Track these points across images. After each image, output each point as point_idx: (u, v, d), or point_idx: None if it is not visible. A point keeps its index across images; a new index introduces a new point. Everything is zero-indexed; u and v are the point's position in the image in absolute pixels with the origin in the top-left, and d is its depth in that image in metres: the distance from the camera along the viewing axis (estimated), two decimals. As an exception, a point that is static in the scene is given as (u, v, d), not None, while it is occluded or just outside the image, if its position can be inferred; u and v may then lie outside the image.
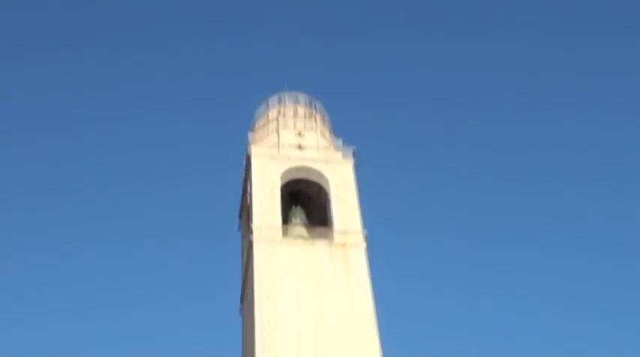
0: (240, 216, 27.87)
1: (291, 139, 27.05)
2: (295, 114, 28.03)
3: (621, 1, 62.00)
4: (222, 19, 64.87)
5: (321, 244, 24.20)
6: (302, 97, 28.87)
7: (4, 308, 51.56)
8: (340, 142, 27.28)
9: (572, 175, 57.98)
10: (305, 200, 26.76)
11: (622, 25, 60.77)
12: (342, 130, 28.51)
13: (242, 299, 25.86)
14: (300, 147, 26.84)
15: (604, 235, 56.26)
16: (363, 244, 24.29)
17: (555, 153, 58.79)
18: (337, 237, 24.30)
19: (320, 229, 25.11)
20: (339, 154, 26.89)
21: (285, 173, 25.89)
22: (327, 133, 27.92)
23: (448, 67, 62.42)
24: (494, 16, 63.31)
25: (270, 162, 26.01)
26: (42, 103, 61.92)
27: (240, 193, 27.79)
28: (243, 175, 27.17)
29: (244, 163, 27.06)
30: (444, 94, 61.81)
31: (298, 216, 25.80)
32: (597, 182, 57.37)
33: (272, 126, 27.59)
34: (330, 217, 24.99)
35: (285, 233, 24.52)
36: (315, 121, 27.91)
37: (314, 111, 28.42)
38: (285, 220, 25.02)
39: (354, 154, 26.75)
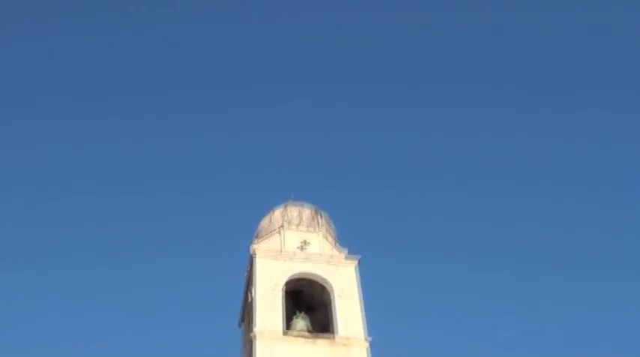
0: (242, 318, 28.08)
1: (296, 244, 27.38)
2: (300, 221, 28.49)
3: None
4: (232, 127, 65.91)
5: (322, 343, 24.30)
6: (307, 209, 29.32)
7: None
8: (345, 252, 27.48)
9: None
10: (308, 299, 27.02)
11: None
12: (347, 241, 28.67)
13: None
14: (303, 251, 27.12)
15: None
16: (365, 344, 24.34)
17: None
18: (340, 336, 24.54)
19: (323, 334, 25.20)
20: (342, 257, 27.24)
21: (288, 278, 26.10)
22: (330, 239, 28.41)
23: (455, 166, 63.00)
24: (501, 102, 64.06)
25: (274, 266, 26.24)
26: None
27: (243, 290, 28.09)
28: (246, 275, 27.57)
29: (248, 267, 27.44)
30: (453, 198, 62.39)
31: (301, 322, 25.72)
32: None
33: (276, 231, 28.01)
34: (334, 324, 25.11)
35: (287, 328, 24.77)
36: (319, 226, 28.41)
37: (319, 217, 28.97)
38: (288, 325, 25.07)
39: (359, 264, 26.95)
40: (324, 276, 26.29)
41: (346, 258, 27.11)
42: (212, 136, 66.82)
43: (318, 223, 28.62)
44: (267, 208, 29.75)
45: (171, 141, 66.22)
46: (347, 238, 28.78)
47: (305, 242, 27.50)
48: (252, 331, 24.27)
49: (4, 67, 63.35)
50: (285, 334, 24.15)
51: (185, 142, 66.35)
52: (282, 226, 28.00)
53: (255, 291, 25.40)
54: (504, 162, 63.80)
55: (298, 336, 24.39)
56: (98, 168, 64.52)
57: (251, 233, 29.26)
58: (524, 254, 60.41)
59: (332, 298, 25.73)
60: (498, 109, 64.87)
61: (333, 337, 24.41)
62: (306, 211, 29.14)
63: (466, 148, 64.56)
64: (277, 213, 29.12)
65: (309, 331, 25.23)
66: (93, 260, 61.84)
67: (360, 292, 26.05)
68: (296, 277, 26.25)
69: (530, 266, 60.03)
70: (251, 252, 26.78)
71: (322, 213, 29.32)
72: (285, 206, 29.45)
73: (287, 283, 25.88)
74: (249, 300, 26.30)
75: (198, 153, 66.38)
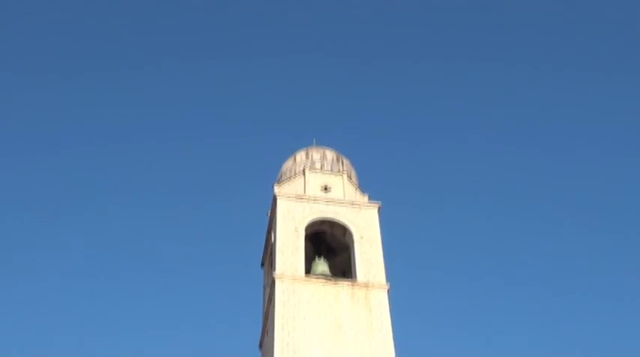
0: (264, 260, 28.37)
1: (318, 187, 27.50)
2: (323, 164, 28.60)
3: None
4: (255, 72, 65.62)
5: (342, 285, 24.54)
6: (329, 153, 29.39)
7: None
8: (366, 198, 27.63)
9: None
10: (329, 241, 27.25)
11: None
12: (368, 188, 28.70)
13: (262, 335, 26.12)
14: (326, 194, 27.24)
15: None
16: (386, 286, 24.63)
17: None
18: (360, 280, 24.78)
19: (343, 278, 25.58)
20: (365, 200, 27.43)
21: (310, 220, 26.21)
22: (353, 182, 28.56)
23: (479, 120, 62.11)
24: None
25: (296, 208, 26.34)
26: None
27: (265, 231, 28.26)
28: (269, 217, 27.73)
29: (270, 209, 27.56)
30: (475, 148, 61.88)
31: (321, 266, 25.84)
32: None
33: (299, 174, 28.12)
34: (354, 268, 25.34)
35: (307, 271, 25.03)
36: (342, 169, 28.49)
37: (342, 160, 29.11)
38: (308, 269, 25.31)
39: (380, 211, 26.98)
40: (346, 219, 26.41)
41: (369, 201, 27.27)
42: (236, 80, 66.69)
43: (341, 165, 28.71)
44: (289, 152, 29.93)
45: (196, 84, 66.22)
46: (367, 186, 28.95)
47: (327, 185, 27.59)
48: (273, 272, 24.63)
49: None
50: (305, 277, 24.42)
51: (209, 86, 66.25)
52: (305, 168, 28.10)
53: (276, 233, 25.64)
54: (529, 112, 62.97)
55: (318, 279, 24.61)
56: (116, 113, 64.58)
57: (274, 176, 29.49)
58: (545, 203, 59.97)
59: (353, 241, 25.91)
60: (518, 61, 63.91)
61: (354, 281, 24.66)
62: (329, 154, 29.24)
63: (489, 99, 63.77)
64: (300, 156, 29.25)
65: (329, 276, 25.34)
66: (121, 203, 62.43)
67: (382, 236, 26.18)
68: (318, 219, 26.38)
69: (552, 214, 59.61)
70: (273, 198, 26.85)
71: (344, 160, 29.31)
72: (308, 149, 29.51)
73: (308, 226, 26.06)
74: (271, 242, 26.60)
75: (222, 97, 66.39)
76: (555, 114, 62.70)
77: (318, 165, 28.42)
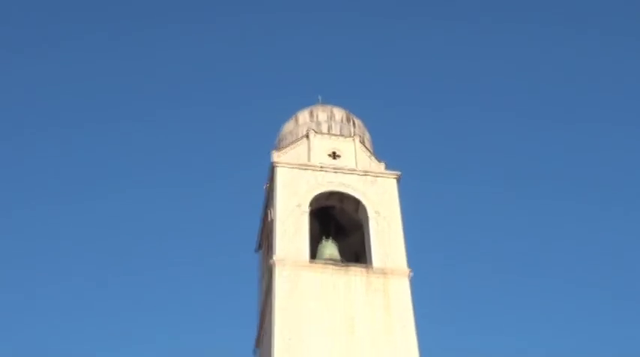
0: (261, 242, 25.81)
1: (325, 152, 24.92)
2: (331, 125, 25.94)
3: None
4: (252, 20, 62.13)
5: (356, 271, 21.92)
6: (338, 112, 26.59)
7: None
8: (382, 166, 25.13)
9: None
10: (338, 217, 24.73)
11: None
12: (385, 153, 26.06)
13: (259, 333, 23.59)
14: (335, 161, 24.64)
15: None
16: (407, 272, 21.93)
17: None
18: (376, 265, 22.19)
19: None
20: (382, 168, 24.86)
21: (315, 194, 23.62)
22: (367, 146, 25.88)
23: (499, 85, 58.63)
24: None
25: (299, 179, 23.82)
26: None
27: (262, 209, 25.74)
28: (266, 191, 25.14)
29: (267, 181, 25.03)
30: (506, 105, 58.14)
31: (329, 249, 23.37)
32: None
33: (302, 137, 25.37)
34: (369, 250, 22.72)
35: (313, 255, 22.52)
36: (354, 131, 25.82)
37: (353, 120, 26.38)
38: (313, 253, 22.78)
39: (399, 181, 24.40)
40: (358, 191, 23.84)
41: (385, 170, 24.70)
42: (227, 29, 62.61)
43: (352, 127, 26.17)
44: (290, 112, 27.03)
45: (185, 46, 62.43)
46: (383, 153, 26.23)
47: (336, 150, 25.10)
48: (271, 257, 22.27)
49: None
50: (310, 262, 21.98)
51: (206, 41, 62.46)
52: (309, 131, 25.44)
53: (275, 210, 23.19)
54: (554, 83, 58.94)
55: (326, 265, 22.08)
56: (98, 85, 61.09)
57: (272, 141, 26.83)
58: (574, 178, 56.25)
59: (367, 218, 23.40)
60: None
61: (368, 267, 22.12)
62: (338, 114, 26.55)
63: (516, 59, 59.69)
64: (303, 116, 26.52)
65: (338, 260, 22.94)
66: (121, 184, 59.11)
67: (401, 212, 23.66)
68: (325, 192, 23.84)
69: (577, 192, 56.10)
70: (271, 162, 24.34)
71: (355, 120, 26.64)
72: (313, 109, 26.81)
73: (314, 201, 23.53)
74: (269, 221, 24.07)
75: (211, 47, 62.40)
76: (589, 84, 58.56)
77: (324, 127, 25.75)
